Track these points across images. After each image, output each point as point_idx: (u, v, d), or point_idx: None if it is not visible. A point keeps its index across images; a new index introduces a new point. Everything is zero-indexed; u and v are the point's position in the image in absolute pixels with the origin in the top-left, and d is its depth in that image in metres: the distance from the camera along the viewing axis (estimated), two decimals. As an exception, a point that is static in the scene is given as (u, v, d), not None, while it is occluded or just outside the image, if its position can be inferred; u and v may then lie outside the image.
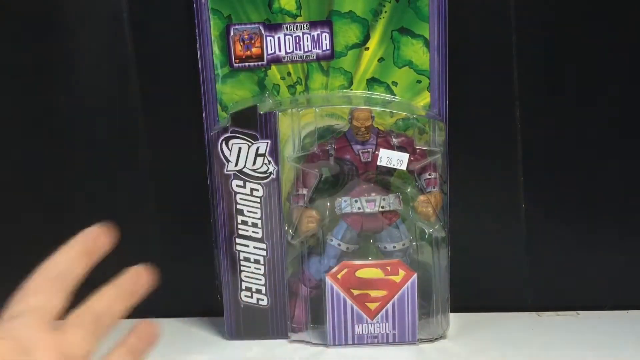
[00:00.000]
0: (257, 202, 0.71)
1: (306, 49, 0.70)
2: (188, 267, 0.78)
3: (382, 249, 0.72)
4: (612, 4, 0.72)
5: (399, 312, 0.72)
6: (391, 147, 0.70)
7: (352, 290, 0.72)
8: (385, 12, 0.69)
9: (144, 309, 0.44)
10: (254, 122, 0.69)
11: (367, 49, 0.70)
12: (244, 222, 0.72)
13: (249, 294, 0.74)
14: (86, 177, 0.77)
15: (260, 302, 0.74)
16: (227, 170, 0.70)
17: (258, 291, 0.74)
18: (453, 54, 0.69)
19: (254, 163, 0.70)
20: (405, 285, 0.72)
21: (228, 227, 0.72)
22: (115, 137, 0.76)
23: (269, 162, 0.70)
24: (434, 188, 0.70)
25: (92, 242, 0.42)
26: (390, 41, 0.69)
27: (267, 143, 0.70)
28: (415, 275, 0.71)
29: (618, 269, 0.78)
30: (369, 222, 0.71)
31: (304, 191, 0.71)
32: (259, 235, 0.72)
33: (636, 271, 0.78)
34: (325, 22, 0.69)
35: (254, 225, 0.72)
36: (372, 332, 0.73)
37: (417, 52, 0.70)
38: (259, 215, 0.71)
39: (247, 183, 0.71)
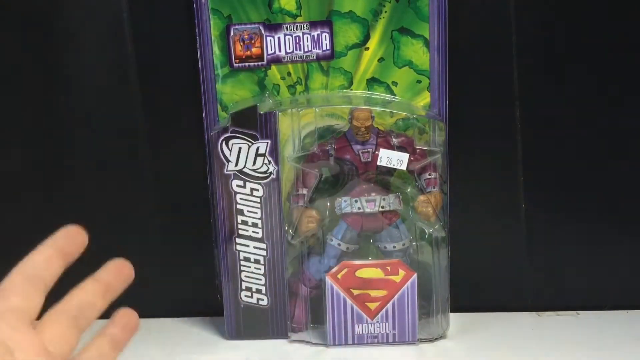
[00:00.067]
0: (257, 202, 0.71)
1: (306, 49, 0.70)
2: (188, 267, 0.78)
3: (382, 249, 0.72)
4: (612, 4, 0.72)
5: (399, 312, 0.72)
6: (391, 147, 0.70)
7: (352, 290, 0.72)
8: (385, 12, 0.69)
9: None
10: (254, 122, 0.69)
11: (367, 49, 0.70)
12: (244, 222, 0.72)
13: (249, 294, 0.74)
14: (86, 177, 0.77)
15: (260, 302, 0.74)
16: (227, 170, 0.70)
17: (258, 291, 0.74)
18: (453, 54, 0.69)
19: (254, 163, 0.70)
20: (405, 285, 0.72)
21: (228, 227, 0.72)
22: (115, 137, 0.76)
23: (269, 162, 0.70)
24: (434, 188, 0.70)
25: (67, 242, 0.42)
26: (390, 41, 0.69)
27: (267, 143, 0.70)
28: (415, 275, 0.71)
29: (618, 269, 0.78)
30: (369, 222, 0.71)
31: (304, 191, 0.71)
32: (259, 235, 0.72)
33: (636, 271, 0.78)
34: (325, 22, 0.69)
35: (254, 225, 0.72)
36: (372, 332, 0.73)
37: (417, 52, 0.70)
38: (259, 215, 0.71)
39: (247, 183, 0.71)
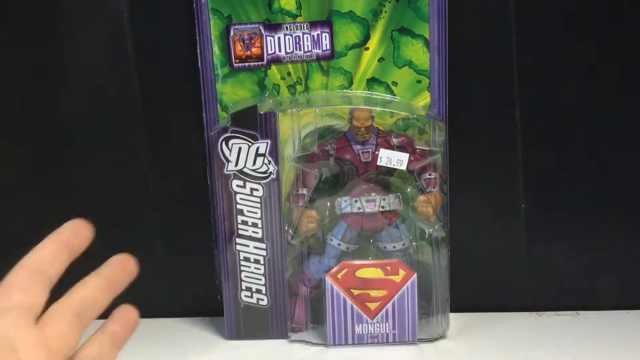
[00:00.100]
0: (257, 202, 0.71)
1: (306, 49, 0.70)
2: (188, 267, 0.78)
3: (382, 249, 0.72)
4: (612, 4, 0.72)
5: (399, 312, 0.72)
6: (391, 147, 0.70)
7: (352, 290, 0.72)
8: (385, 12, 0.69)
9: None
10: (254, 122, 0.69)
11: (367, 49, 0.70)
12: (244, 222, 0.72)
13: (249, 294, 0.74)
14: (86, 177, 0.77)
15: (260, 302, 0.74)
16: (227, 170, 0.70)
17: (258, 291, 0.74)
18: (453, 54, 0.69)
19: (254, 163, 0.70)
20: (405, 285, 0.72)
21: (228, 227, 0.72)
22: (115, 137, 0.76)
23: (269, 162, 0.70)
24: (434, 188, 0.70)
25: (72, 236, 0.41)
26: (390, 41, 0.69)
27: (267, 143, 0.70)
28: (415, 275, 0.71)
29: (618, 269, 0.78)
30: (369, 222, 0.71)
31: (304, 191, 0.71)
32: (259, 235, 0.72)
33: (636, 271, 0.78)
34: (325, 22, 0.69)
35: (254, 225, 0.72)
36: (372, 332, 0.73)
37: (417, 52, 0.70)
38: (259, 215, 0.71)
39: (247, 183, 0.71)
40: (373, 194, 0.71)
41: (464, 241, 0.75)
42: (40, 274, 0.39)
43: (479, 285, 0.78)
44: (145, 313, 0.44)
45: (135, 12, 0.73)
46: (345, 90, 0.71)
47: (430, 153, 0.70)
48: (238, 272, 0.73)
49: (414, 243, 0.72)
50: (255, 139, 0.69)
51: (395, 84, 0.71)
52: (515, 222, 0.77)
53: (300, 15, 0.69)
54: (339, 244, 0.72)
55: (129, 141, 0.76)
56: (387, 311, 0.72)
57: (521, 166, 0.76)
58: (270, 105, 0.70)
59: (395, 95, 0.71)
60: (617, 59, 0.73)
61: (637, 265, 0.78)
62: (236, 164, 0.70)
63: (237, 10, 0.69)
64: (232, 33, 0.69)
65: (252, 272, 0.73)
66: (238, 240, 0.72)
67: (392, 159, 0.69)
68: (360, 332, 0.73)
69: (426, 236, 0.72)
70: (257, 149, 0.70)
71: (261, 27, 0.69)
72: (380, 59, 0.70)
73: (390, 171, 0.71)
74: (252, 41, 0.69)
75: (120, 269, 0.43)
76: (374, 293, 0.72)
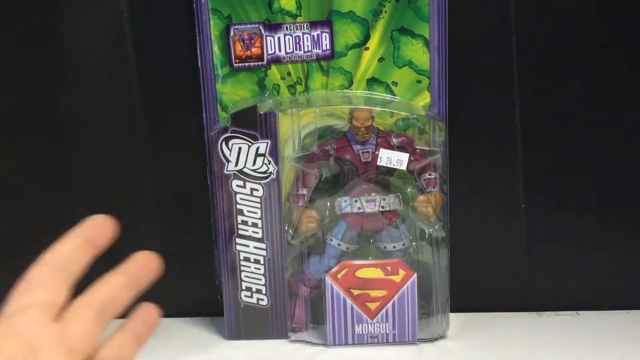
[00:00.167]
0: (257, 202, 0.71)
1: (306, 49, 0.70)
2: (188, 267, 0.78)
3: (382, 249, 0.72)
4: (612, 4, 0.72)
5: (399, 312, 0.72)
6: (391, 147, 0.70)
7: (352, 290, 0.72)
8: (385, 12, 0.69)
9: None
10: (254, 122, 0.69)
11: (367, 49, 0.70)
12: (244, 222, 0.72)
13: (249, 294, 0.74)
14: (86, 176, 0.77)
15: (260, 302, 0.74)
16: (227, 170, 0.70)
17: (258, 291, 0.74)
18: (453, 54, 0.69)
19: (254, 163, 0.70)
20: (405, 285, 0.71)
21: (228, 227, 0.72)
22: (115, 137, 0.76)
23: (269, 162, 0.70)
24: (434, 188, 0.70)
25: (95, 231, 0.41)
26: (390, 41, 0.69)
27: (267, 143, 0.70)
28: (415, 275, 0.71)
29: (618, 269, 0.78)
30: (369, 222, 0.71)
31: (304, 191, 0.71)
32: (259, 235, 0.72)
33: (636, 271, 0.78)
34: (325, 22, 0.69)
35: (254, 225, 0.72)
36: (372, 332, 0.73)
37: (417, 52, 0.70)
38: (259, 215, 0.71)
39: (247, 183, 0.71)
40: (373, 194, 0.71)
41: (464, 241, 0.75)
42: (62, 270, 0.38)
43: (479, 285, 0.78)
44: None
45: (135, 12, 0.73)
46: (345, 90, 0.71)
47: (430, 153, 0.70)
48: (238, 272, 0.73)
49: (414, 243, 0.72)
50: (255, 139, 0.69)
51: (395, 84, 0.71)
52: (515, 222, 0.77)
53: (300, 15, 0.69)
54: (339, 244, 0.72)
55: (129, 141, 0.76)
56: (387, 311, 0.72)
57: (521, 166, 0.76)
58: (270, 105, 0.70)
59: (395, 95, 0.71)
60: (617, 59, 0.73)
61: (637, 265, 0.78)
62: (236, 164, 0.70)
63: (237, 10, 0.69)
64: (232, 33, 0.69)
65: (252, 272, 0.73)
66: (238, 240, 0.72)
67: (392, 159, 0.69)
68: (360, 332, 0.73)
69: (426, 236, 0.72)
70: (257, 149, 0.70)
71: (261, 27, 0.69)
72: (380, 59, 0.70)
73: (390, 171, 0.71)
74: (252, 41, 0.69)
75: (144, 267, 0.42)
76: (374, 293, 0.72)
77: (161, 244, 0.79)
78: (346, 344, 0.73)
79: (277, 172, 0.70)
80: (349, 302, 0.72)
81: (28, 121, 0.76)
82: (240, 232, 0.72)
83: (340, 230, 0.72)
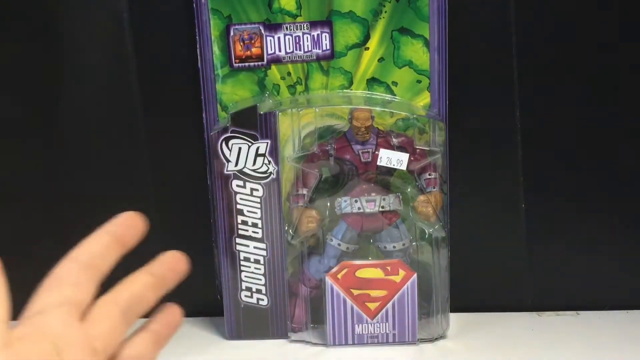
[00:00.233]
0: (257, 202, 0.71)
1: (306, 49, 0.70)
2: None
3: (382, 249, 0.72)
4: (612, 4, 0.72)
5: (399, 312, 0.72)
6: (391, 147, 0.70)
7: (352, 290, 0.72)
8: (385, 12, 0.69)
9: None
10: (254, 122, 0.69)
11: (367, 49, 0.70)
12: (244, 222, 0.72)
13: (249, 294, 0.74)
14: (86, 176, 0.77)
15: (260, 302, 0.74)
16: (227, 170, 0.70)
17: (258, 291, 0.74)
18: (453, 54, 0.69)
19: (254, 163, 0.70)
20: (405, 285, 0.71)
21: (228, 227, 0.72)
22: (115, 137, 0.76)
23: (269, 162, 0.70)
24: (434, 188, 0.70)
25: (125, 229, 0.40)
26: (390, 41, 0.69)
27: (267, 143, 0.70)
28: (415, 275, 0.71)
29: (618, 269, 0.78)
30: (369, 222, 0.71)
31: (304, 191, 0.71)
32: (259, 235, 0.72)
33: (636, 271, 0.78)
34: (325, 22, 0.69)
35: (254, 225, 0.72)
36: (372, 332, 0.73)
37: (417, 52, 0.70)
38: (259, 215, 0.71)
39: (247, 183, 0.71)
40: (373, 194, 0.71)
41: (464, 241, 0.75)
42: (91, 268, 0.37)
43: (479, 285, 0.78)
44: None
45: (135, 12, 0.73)
46: (345, 90, 0.71)
47: (430, 153, 0.70)
48: (238, 272, 0.73)
49: (414, 243, 0.72)
50: (255, 139, 0.69)
51: (395, 84, 0.71)
52: (515, 222, 0.77)
53: (300, 15, 0.69)
54: (339, 244, 0.72)
55: (129, 141, 0.76)
56: (387, 311, 0.72)
57: (521, 166, 0.76)
58: (270, 105, 0.70)
59: (395, 95, 0.71)
60: (617, 59, 0.73)
61: (637, 265, 0.78)
62: (236, 164, 0.70)
63: (237, 10, 0.69)
64: (232, 33, 0.69)
65: (252, 272, 0.73)
66: (238, 240, 0.72)
67: (392, 159, 0.69)
68: (360, 332, 0.73)
69: (426, 236, 0.72)
70: (257, 149, 0.70)
71: (261, 27, 0.69)
72: (380, 59, 0.70)
73: (390, 171, 0.71)
74: (252, 41, 0.69)
75: (171, 267, 0.41)
76: (374, 293, 0.72)
77: (161, 244, 0.79)
78: (346, 344, 0.73)
79: (277, 172, 0.70)
80: (349, 302, 0.72)
81: (28, 121, 0.76)
82: (240, 232, 0.72)
83: (340, 230, 0.72)
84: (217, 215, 0.72)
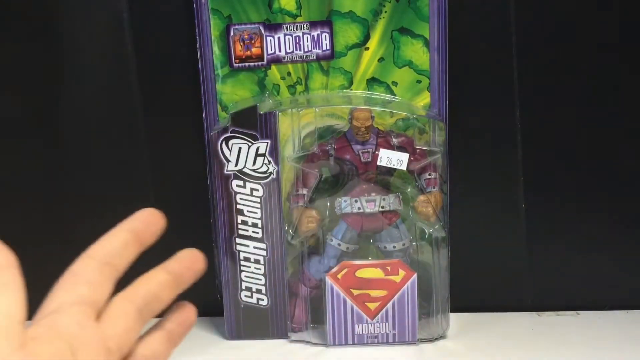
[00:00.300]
0: (257, 202, 0.71)
1: (306, 49, 0.70)
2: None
3: (382, 249, 0.72)
4: (612, 4, 0.72)
5: (399, 312, 0.72)
6: (391, 147, 0.70)
7: (352, 290, 0.72)
8: (385, 12, 0.69)
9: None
10: (254, 122, 0.69)
11: (367, 49, 0.70)
12: (244, 222, 0.72)
13: (249, 294, 0.74)
14: (86, 176, 0.77)
15: (260, 302, 0.74)
16: (227, 170, 0.70)
17: (258, 291, 0.74)
18: (453, 54, 0.69)
19: (254, 163, 0.70)
20: (405, 285, 0.71)
21: (228, 227, 0.72)
22: (115, 137, 0.76)
23: (269, 162, 0.70)
24: (434, 188, 0.70)
25: (145, 226, 0.39)
26: (390, 41, 0.69)
27: (267, 143, 0.70)
28: (415, 275, 0.71)
29: (618, 269, 0.78)
30: (369, 222, 0.71)
31: (304, 191, 0.71)
32: (259, 235, 0.72)
33: (636, 271, 0.78)
34: (325, 22, 0.69)
35: (254, 225, 0.72)
36: (372, 332, 0.73)
37: (417, 52, 0.70)
38: (259, 215, 0.71)
39: (247, 183, 0.71)
40: (373, 194, 0.71)
41: (464, 241, 0.75)
42: (109, 266, 0.37)
43: (479, 285, 0.78)
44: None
45: (135, 12, 0.73)
46: (345, 90, 0.71)
47: (430, 153, 0.70)
48: (238, 272, 0.73)
49: (414, 243, 0.72)
50: (255, 139, 0.69)
51: (395, 84, 0.71)
52: (515, 222, 0.77)
53: (300, 15, 0.69)
54: (339, 244, 0.72)
55: (129, 141, 0.76)
56: (387, 311, 0.72)
57: (521, 166, 0.76)
58: (270, 105, 0.70)
59: (395, 95, 0.71)
60: (617, 59, 0.73)
61: (637, 265, 0.78)
62: (236, 164, 0.70)
63: (237, 10, 0.69)
64: (232, 33, 0.69)
65: (252, 272, 0.73)
66: (238, 240, 0.72)
67: (392, 159, 0.69)
68: (360, 332, 0.73)
69: (426, 236, 0.72)
70: (257, 149, 0.70)
71: (261, 27, 0.69)
72: (380, 59, 0.70)
73: (390, 171, 0.71)
74: (252, 41, 0.69)
75: (188, 266, 0.41)
76: (374, 293, 0.72)
77: (161, 244, 0.79)
78: (346, 344, 0.73)
79: (277, 172, 0.70)
80: (349, 302, 0.72)
81: (28, 121, 0.76)
82: (240, 232, 0.72)
83: (340, 230, 0.72)
84: (217, 215, 0.72)
